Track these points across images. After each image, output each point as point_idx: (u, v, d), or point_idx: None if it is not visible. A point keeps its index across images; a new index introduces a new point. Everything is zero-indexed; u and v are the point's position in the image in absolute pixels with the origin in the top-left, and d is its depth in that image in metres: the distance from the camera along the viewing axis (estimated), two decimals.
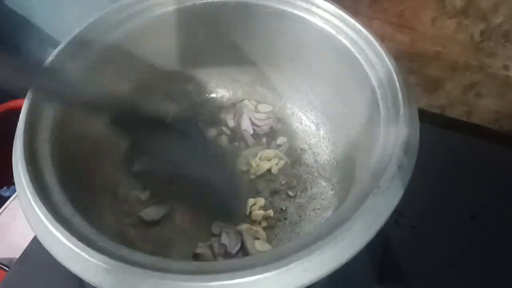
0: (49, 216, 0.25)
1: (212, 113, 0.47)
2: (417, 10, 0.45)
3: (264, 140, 0.46)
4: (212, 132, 0.46)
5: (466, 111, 0.51)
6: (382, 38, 0.34)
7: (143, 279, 0.22)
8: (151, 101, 0.44)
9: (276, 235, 0.39)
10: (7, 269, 0.45)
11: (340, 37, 0.35)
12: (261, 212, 0.39)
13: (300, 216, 0.40)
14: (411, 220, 0.42)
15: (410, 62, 0.50)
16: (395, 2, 0.45)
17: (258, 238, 0.38)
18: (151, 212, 0.39)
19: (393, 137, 0.28)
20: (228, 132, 0.46)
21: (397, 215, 0.25)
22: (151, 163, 0.40)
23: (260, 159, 0.43)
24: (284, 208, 0.41)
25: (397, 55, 0.33)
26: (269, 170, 0.43)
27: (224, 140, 0.46)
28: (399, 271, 0.40)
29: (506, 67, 0.45)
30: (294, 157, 0.44)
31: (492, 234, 0.42)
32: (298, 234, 0.39)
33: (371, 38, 0.33)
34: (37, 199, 0.25)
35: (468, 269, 0.40)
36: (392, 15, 0.46)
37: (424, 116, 0.30)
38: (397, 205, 0.25)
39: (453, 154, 0.46)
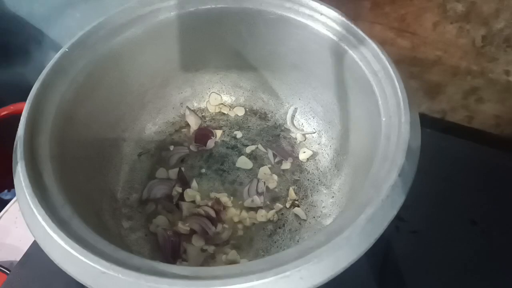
0: (47, 218, 0.25)
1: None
2: (418, 14, 0.45)
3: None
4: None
5: (467, 116, 0.51)
6: (383, 42, 0.34)
7: (139, 283, 0.22)
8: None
9: (275, 242, 0.39)
10: (8, 272, 0.44)
11: (342, 44, 0.35)
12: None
13: (300, 223, 0.40)
14: (411, 225, 0.42)
15: (411, 66, 0.49)
16: (397, 7, 0.45)
17: None
18: None
19: (394, 144, 0.28)
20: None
21: (398, 220, 0.25)
22: None
23: None
24: (284, 215, 0.41)
25: (398, 59, 0.33)
26: None
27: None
28: (399, 276, 0.40)
29: (507, 72, 0.45)
30: (295, 163, 0.44)
31: (493, 239, 0.42)
32: (298, 241, 0.39)
33: (373, 45, 0.33)
34: (36, 201, 0.25)
35: (469, 274, 0.39)
36: (393, 19, 0.46)
37: (425, 121, 0.30)
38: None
39: (453, 159, 0.46)
